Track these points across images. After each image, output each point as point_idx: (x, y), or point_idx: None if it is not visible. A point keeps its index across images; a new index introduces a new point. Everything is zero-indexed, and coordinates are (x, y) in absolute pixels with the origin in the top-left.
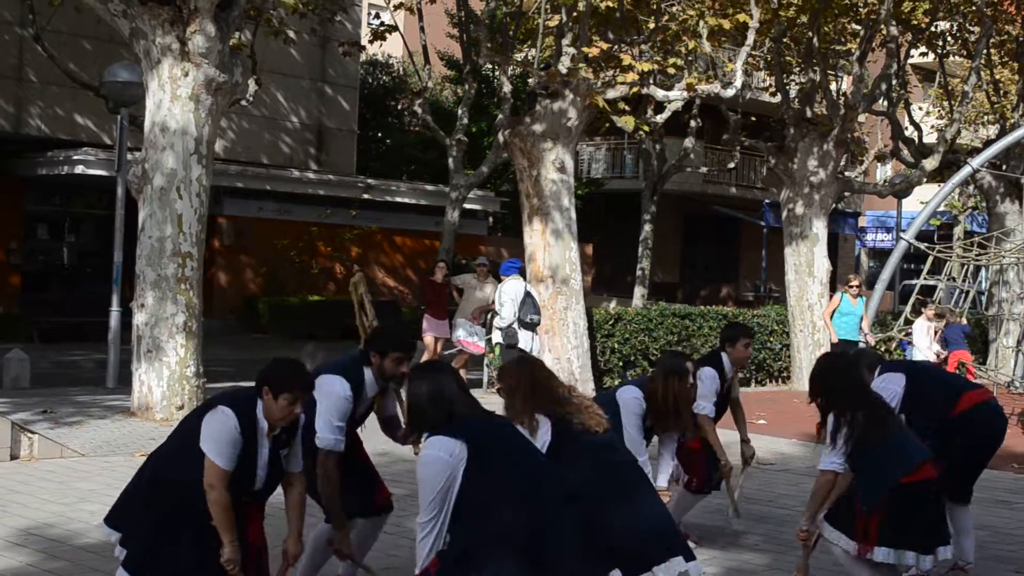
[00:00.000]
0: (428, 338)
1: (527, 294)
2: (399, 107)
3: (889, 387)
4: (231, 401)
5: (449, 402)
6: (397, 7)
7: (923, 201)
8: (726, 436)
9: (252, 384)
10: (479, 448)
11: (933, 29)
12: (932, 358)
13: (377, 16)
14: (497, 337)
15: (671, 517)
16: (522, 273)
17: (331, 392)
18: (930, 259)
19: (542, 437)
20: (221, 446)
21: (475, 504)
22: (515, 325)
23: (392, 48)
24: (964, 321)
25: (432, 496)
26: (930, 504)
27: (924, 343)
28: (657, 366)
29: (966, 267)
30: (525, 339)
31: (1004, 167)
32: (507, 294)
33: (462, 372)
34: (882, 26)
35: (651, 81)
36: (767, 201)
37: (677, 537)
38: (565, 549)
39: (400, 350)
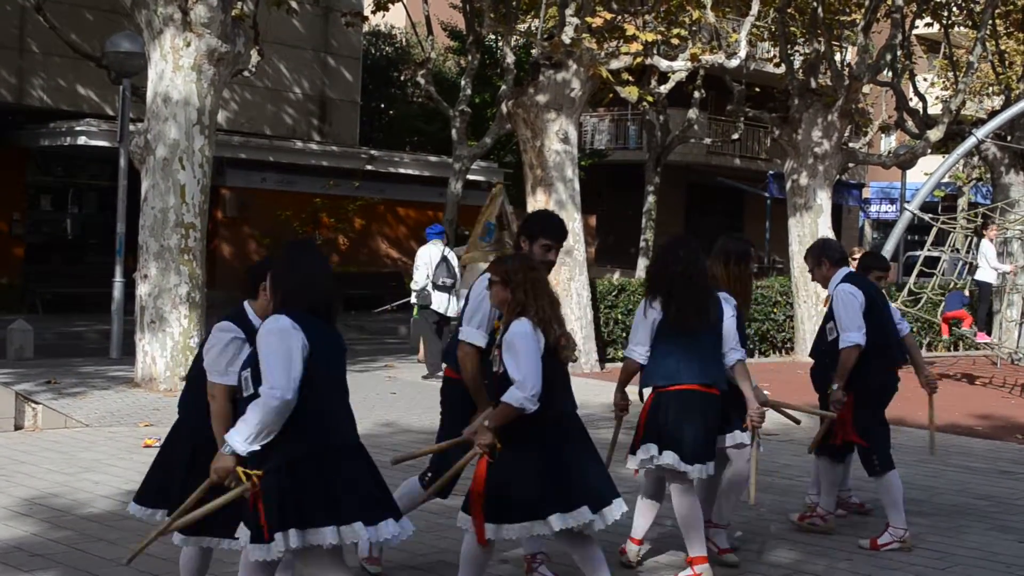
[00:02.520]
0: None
1: (443, 258)
2: (402, 78)
3: (851, 294)
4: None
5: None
6: None
7: (927, 172)
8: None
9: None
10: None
11: None
12: (1005, 269)
13: None
14: (413, 299)
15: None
16: (445, 237)
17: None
18: (934, 230)
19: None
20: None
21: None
22: (428, 288)
23: (395, 19)
24: (967, 293)
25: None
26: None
27: (993, 261)
28: (715, 250)
29: (970, 238)
30: (439, 300)
31: (1009, 138)
32: (420, 258)
33: None
34: None
35: (655, 51)
36: (771, 172)
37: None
38: None
39: (549, 237)
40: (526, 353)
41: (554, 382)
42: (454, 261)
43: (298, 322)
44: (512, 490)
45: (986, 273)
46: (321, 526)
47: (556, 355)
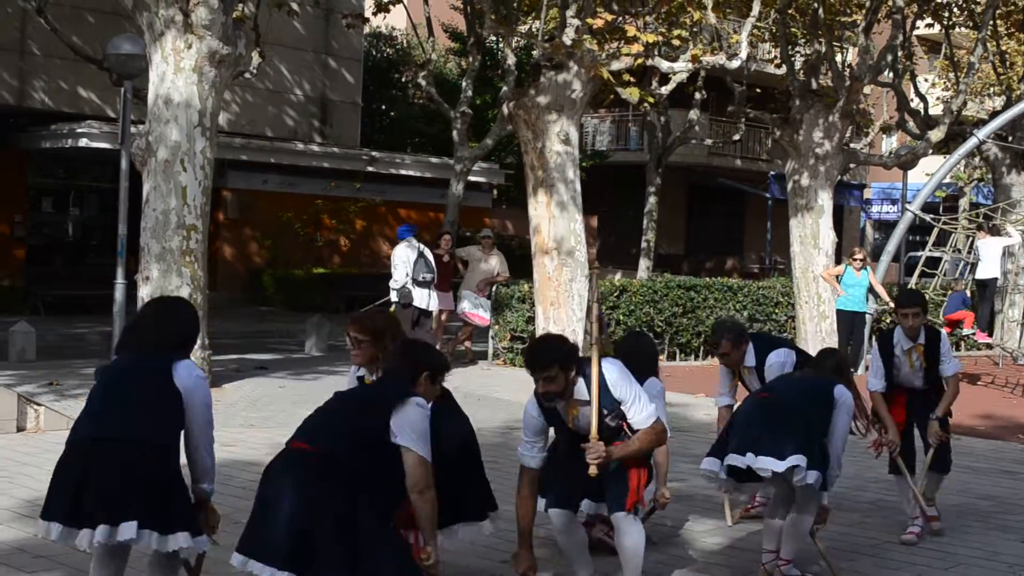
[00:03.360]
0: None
1: (420, 254)
2: (403, 79)
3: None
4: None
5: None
6: None
7: (928, 173)
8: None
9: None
10: None
11: (939, 0)
12: (1016, 241)
13: None
14: (393, 297)
15: None
16: (417, 236)
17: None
18: (935, 231)
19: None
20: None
21: None
22: (409, 285)
23: (396, 20)
24: (968, 293)
25: None
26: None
27: (996, 249)
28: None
29: (971, 239)
30: (421, 296)
31: (1010, 139)
32: (398, 258)
33: (467, 344)
34: None
35: (656, 53)
36: (772, 173)
37: None
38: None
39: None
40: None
41: None
42: (430, 257)
43: None
44: None
45: (987, 270)
46: None
47: None
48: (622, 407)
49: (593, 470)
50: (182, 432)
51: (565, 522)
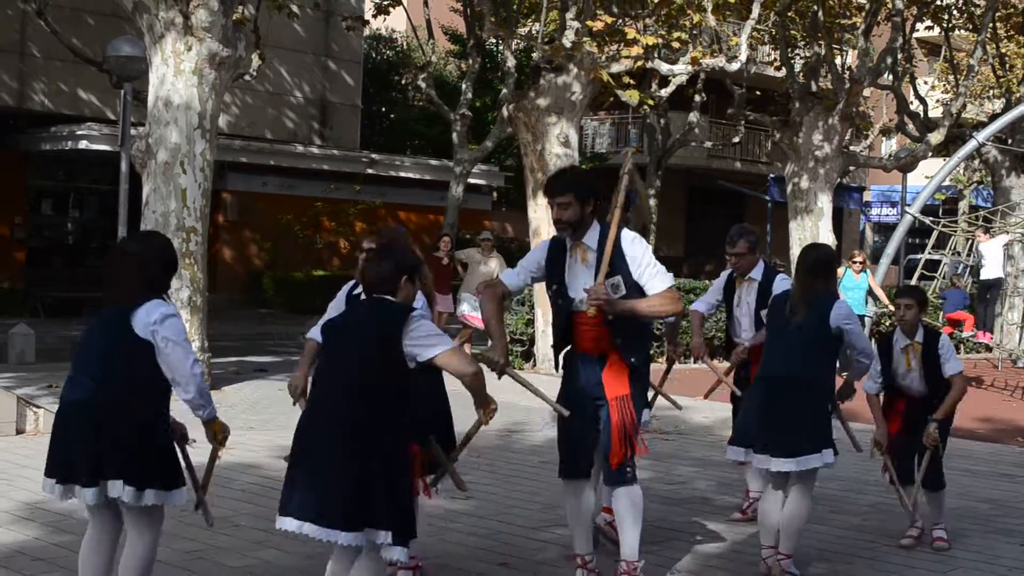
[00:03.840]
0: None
1: None
2: (403, 82)
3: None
4: None
5: None
6: None
7: (928, 175)
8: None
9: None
10: None
11: (939, 2)
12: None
13: None
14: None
15: None
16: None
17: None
18: (935, 233)
19: None
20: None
21: None
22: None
23: (396, 22)
24: (967, 291)
25: None
26: None
27: (998, 254)
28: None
29: (970, 241)
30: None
31: (1009, 141)
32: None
33: (466, 346)
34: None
35: (655, 55)
36: (772, 175)
37: None
38: None
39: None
40: None
41: None
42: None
43: None
44: None
45: (992, 270)
46: None
47: None
48: (633, 270)
49: (592, 311)
50: (156, 378)
51: (572, 488)
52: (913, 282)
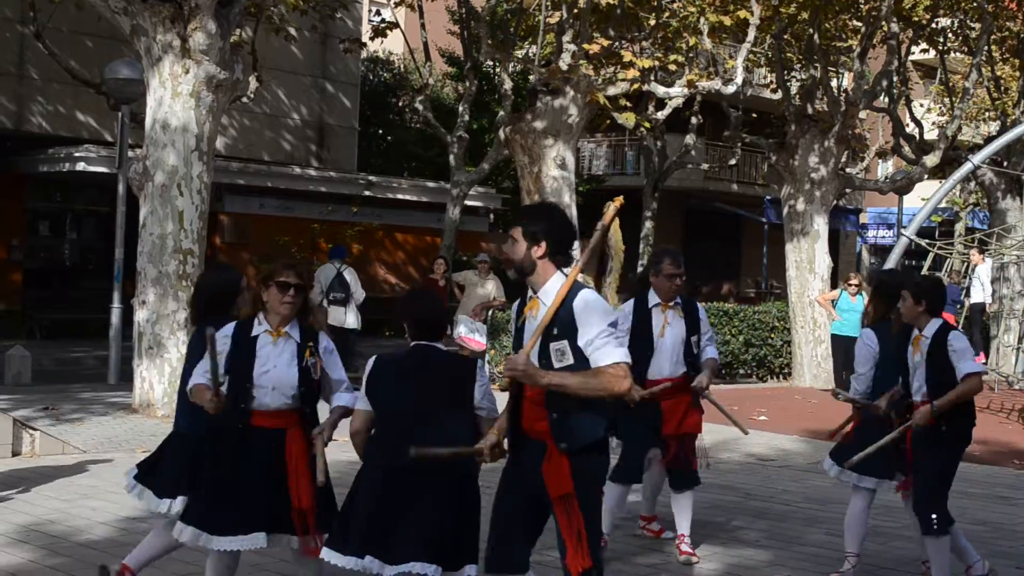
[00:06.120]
0: None
1: (338, 274)
2: (400, 104)
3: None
4: None
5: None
6: (398, 4)
7: (924, 198)
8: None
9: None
10: None
11: (934, 25)
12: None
13: (378, 13)
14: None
15: None
16: (344, 257)
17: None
18: (931, 255)
19: None
20: None
21: None
22: (324, 303)
23: (393, 45)
24: (963, 291)
25: None
26: None
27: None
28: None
29: (966, 263)
30: (336, 315)
31: (1005, 164)
32: (317, 277)
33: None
34: (883, 22)
35: (652, 78)
36: (768, 198)
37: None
38: None
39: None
40: None
41: None
42: (350, 278)
43: None
44: None
45: (980, 293)
46: None
47: None
48: (581, 335)
49: (503, 382)
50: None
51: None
52: None
